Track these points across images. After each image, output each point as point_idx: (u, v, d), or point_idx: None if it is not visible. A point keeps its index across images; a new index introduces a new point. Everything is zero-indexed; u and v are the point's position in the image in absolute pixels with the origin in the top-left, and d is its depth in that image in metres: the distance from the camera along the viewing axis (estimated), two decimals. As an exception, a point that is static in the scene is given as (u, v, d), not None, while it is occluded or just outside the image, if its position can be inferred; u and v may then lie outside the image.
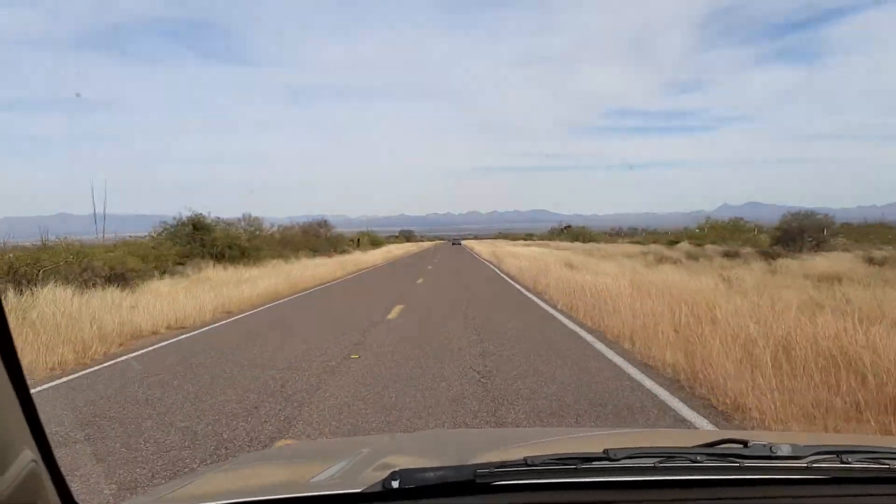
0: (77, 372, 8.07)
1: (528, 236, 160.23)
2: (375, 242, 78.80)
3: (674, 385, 6.56)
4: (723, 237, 47.28)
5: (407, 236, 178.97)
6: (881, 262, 23.95)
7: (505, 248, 58.40)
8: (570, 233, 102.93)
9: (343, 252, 47.87)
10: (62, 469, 1.13)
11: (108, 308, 11.60)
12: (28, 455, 1.00)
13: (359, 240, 67.54)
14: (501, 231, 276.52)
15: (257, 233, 33.87)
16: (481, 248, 73.66)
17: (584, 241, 76.63)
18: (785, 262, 25.27)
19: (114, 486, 4.15)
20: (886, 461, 1.27)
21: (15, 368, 0.99)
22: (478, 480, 1.18)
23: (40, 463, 1.04)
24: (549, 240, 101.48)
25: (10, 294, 11.51)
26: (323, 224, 54.95)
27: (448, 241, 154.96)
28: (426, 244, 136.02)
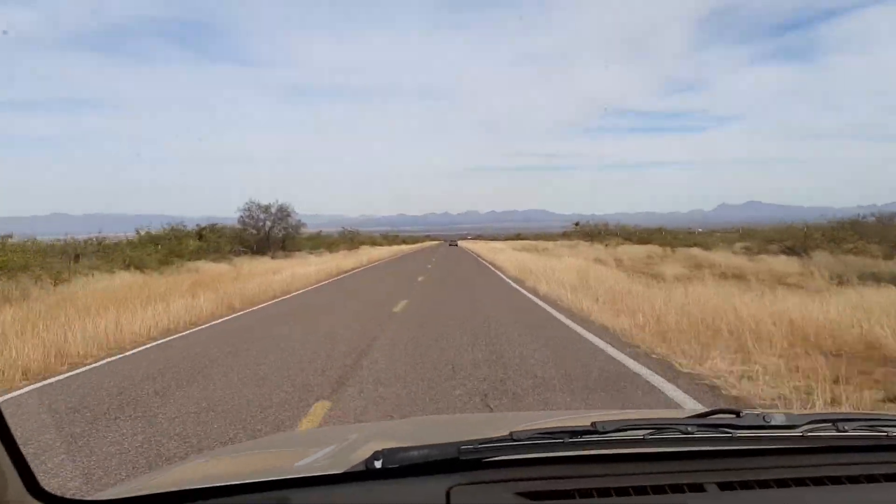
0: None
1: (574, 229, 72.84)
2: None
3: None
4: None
5: (350, 236, 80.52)
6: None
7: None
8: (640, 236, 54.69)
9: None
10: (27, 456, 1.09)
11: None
12: None
13: None
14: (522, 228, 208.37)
15: None
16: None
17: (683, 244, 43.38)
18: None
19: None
20: (884, 428, 1.24)
21: None
22: (462, 457, 1.14)
23: (2, 451, 1.01)
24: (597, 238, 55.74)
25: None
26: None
27: (445, 241, 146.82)
28: (388, 251, 65.40)
